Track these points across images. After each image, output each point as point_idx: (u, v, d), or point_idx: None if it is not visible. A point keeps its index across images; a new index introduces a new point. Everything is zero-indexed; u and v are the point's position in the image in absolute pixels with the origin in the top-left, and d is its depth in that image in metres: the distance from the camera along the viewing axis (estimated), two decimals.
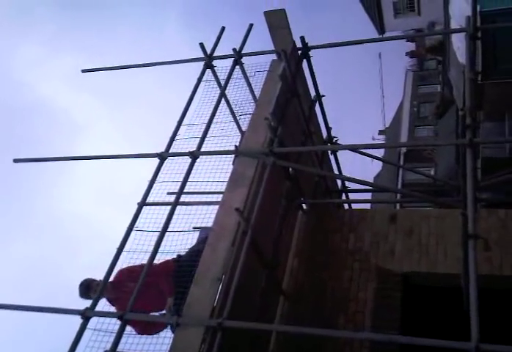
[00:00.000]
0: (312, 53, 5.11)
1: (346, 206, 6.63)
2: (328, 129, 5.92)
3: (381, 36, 25.84)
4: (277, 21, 4.85)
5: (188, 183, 4.28)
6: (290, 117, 4.80)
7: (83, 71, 5.60)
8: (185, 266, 4.10)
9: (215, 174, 4.46)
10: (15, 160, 4.93)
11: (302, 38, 5.00)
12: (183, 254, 4.32)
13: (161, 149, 4.56)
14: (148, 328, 3.92)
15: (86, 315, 3.52)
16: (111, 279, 4.14)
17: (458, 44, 9.00)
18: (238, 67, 5.17)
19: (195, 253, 4.12)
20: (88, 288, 4.21)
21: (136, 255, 3.97)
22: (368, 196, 9.75)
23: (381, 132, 30.71)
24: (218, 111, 4.83)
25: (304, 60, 5.12)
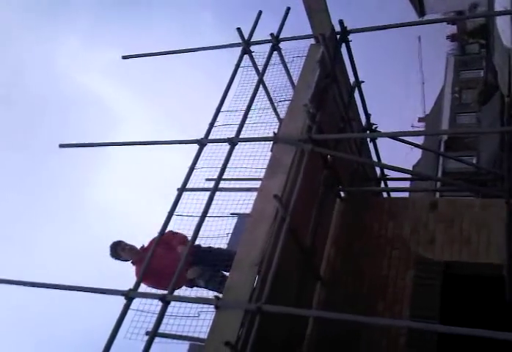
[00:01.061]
0: (350, 37, 5.02)
1: (385, 194, 6.55)
2: (368, 116, 5.83)
3: (420, 18, 25.10)
4: (315, 4, 4.76)
5: (226, 170, 4.31)
6: (328, 104, 4.75)
7: (124, 57, 5.68)
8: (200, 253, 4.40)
9: (253, 160, 4.48)
10: (61, 146, 5.10)
11: (341, 22, 4.90)
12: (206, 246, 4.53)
13: (200, 135, 4.60)
14: (161, 284, 4.16)
15: (129, 296, 3.63)
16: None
17: (503, 27, 8.64)
18: (275, 52, 5.14)
19: (213, 255, 4.41)
20: (117, 245, 4.66)
21: None
22: (407, 184, 9.59)
23: (420, 119, 29.99)
24: (256, 97, 4.83)
25: (343, 45, 5.04)
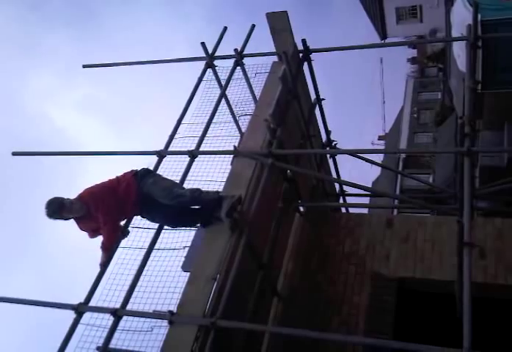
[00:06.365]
0: (313, 56, 5.12)
1: (343, 210, 6.63)
2: (328, 132, 5.92)
3: (382, 41, 25.92)
4: (279, 23, 4.84)
5: (186, 182, 4.28)
6: (289, 119, 4.80)
7: (84, 66, 5.58)
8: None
9: (213, 173, 4.47)
10: (14, 153, 4.87)
11: (304, 41, 4.99)
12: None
13: (161, 147, 4.56)
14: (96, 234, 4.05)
15: (79, 310, 3.52)
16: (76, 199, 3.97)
17: (459, 52, 8.99)
18: (239, 67, 5.18)
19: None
20: (62, 207, 3.86)
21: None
22: (366, 200, 9.74)
23: (380, 137, 30.74)
24: (218, 111, 4.85)
25: (305, 63, 5.13)
